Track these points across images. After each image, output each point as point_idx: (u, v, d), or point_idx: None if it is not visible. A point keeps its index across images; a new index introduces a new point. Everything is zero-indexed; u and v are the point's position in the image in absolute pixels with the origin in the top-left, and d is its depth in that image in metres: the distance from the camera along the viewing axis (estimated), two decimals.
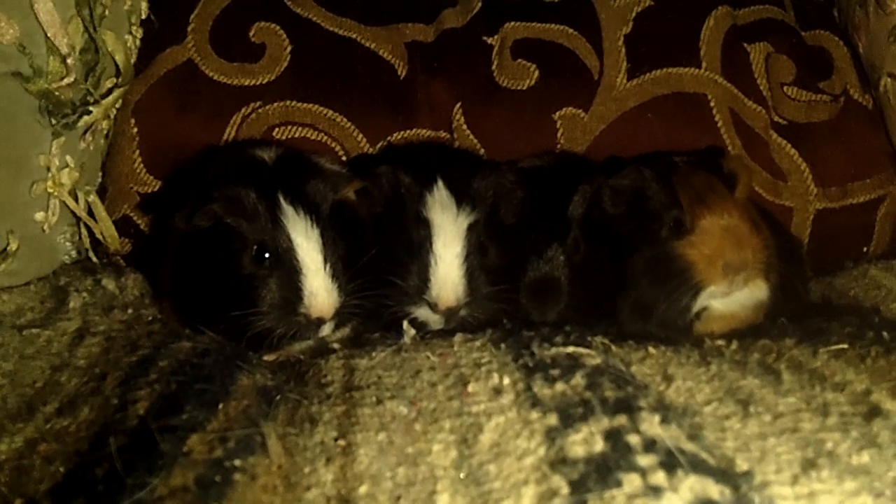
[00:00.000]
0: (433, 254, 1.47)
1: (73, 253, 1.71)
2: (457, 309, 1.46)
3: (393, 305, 1.48)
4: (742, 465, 0.88)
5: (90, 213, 1.72)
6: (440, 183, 1.51)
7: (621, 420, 0.93)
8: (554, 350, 1.18)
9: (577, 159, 1.85)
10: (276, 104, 1.85)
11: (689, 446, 0.88)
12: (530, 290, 1.55)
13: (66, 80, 1.55)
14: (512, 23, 1.97)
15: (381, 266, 1.48)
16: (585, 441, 0.90)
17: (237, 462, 0.91)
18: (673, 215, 1.46)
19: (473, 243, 1.49)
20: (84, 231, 1.73)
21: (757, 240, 1.44)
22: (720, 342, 1.37)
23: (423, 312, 1.48)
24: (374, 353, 1.28)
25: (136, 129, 1.81)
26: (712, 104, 1.92)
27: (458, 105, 1.90)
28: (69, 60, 1.54)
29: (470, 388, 1.10)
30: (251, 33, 1.89)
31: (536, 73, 1.91)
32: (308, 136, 1.85)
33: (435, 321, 1.48)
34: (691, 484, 0.80)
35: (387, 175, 1.55)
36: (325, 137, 1.86)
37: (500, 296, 1.50)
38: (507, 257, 1.55)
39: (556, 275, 1.56)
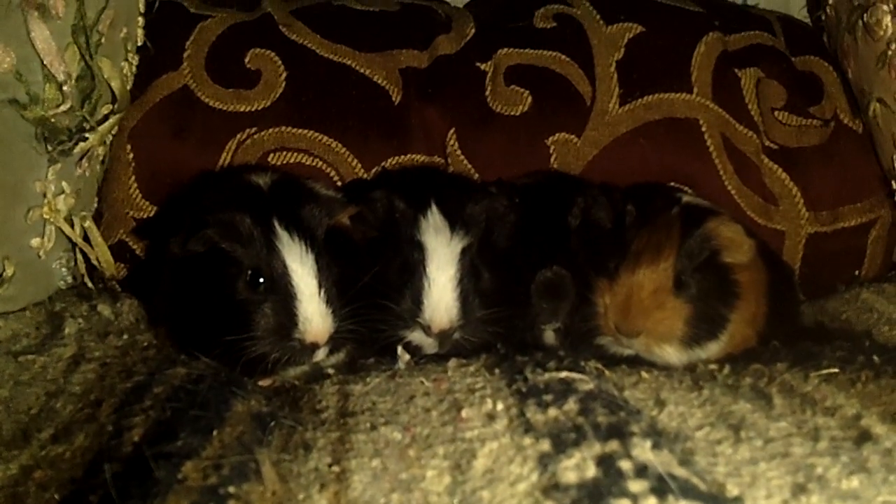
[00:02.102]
0: (426, 277, 1.47)
1: (69, 278, 1.71)
2: (450, 332, 1.47)
3: (387, 329, 1.49)
4: (733, 490, 0.89)
5: (86, 238, 1.72)
6: (434, 207, 1.52)
7: (613, 446, 0.93)
8: (547, 375, 1.18)
9: (567, 177, 1.87)
10: (271, 130, 1.86)
11: (681, 472, 0.89)
12: (541, 289, 1.56)
13: (62, 108, 1.56)
14: (505, 49, 1.99)
15: (375, 290, 1.48)
16: (578, 467, 0.90)
17: (231, 489, 0.91)
18: (614, 261, 1.51)
19: (467, 267, 1.50)
20: (80, 257, 1.73)
21: (672, 314, 1.48)
22: (713, 366, 1.38)
23: (416, 336, 1.48)
24: (368, 379, 1.29)
25: (131, 155, 1.82)
26: (704, 129, 1.93)
27: (452, 131, 1.92)
28: (65, 88, 1.55)
29: (464, 414, 1.10)
30: (247, 60, 1.90)
31: (529, 98, 1.93)
32: (303, 161, 1.86)
33: (429, 344, 1.49)
34: None
35: (381, 200, 1.55)
36: (320, 163, 1.86)
37: (493, 319, 1.51)
38: (501, 281, 1.56)
39: (564, 274, 1.56)
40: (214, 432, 1.07)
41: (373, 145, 1.90)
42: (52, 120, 1.56)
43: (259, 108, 1.87)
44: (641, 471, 0.88)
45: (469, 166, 1.91)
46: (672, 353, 1.49)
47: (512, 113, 1.93)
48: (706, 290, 1.49)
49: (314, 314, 1.39)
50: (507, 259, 1.60)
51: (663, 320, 1.47)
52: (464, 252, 1.50)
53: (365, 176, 1.89)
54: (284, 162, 1.85)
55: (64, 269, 1.70)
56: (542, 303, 1.56)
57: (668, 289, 1.46)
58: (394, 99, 1.93)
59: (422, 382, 1.24)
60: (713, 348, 1.52)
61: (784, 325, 1.65)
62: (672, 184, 1.90)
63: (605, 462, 0.90)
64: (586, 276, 1.55)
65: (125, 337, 1.51)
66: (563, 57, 1.97)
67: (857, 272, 2.02)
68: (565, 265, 1.57)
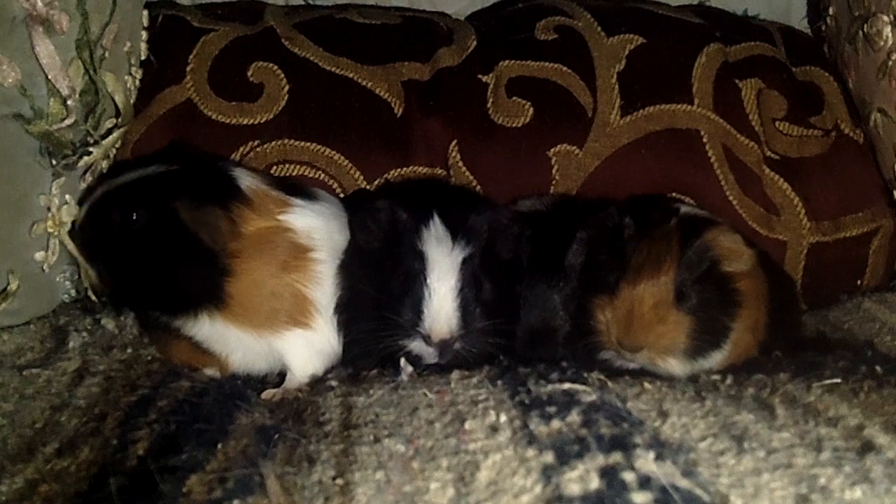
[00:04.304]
0: (427, 287, 1.47)
1: (73, 292, 1.72)
2: (451, 341, 1.47)
3: (388, 339, 1.49)
4: (736, 501, 0.89)
5: None
6: (436, 218, 1.52)
7: (616, 457, 0.94)
8: (550, 387, 1.19)
9: (575, 202, 1.86)
10: (274, 143, 1.87)
11: (684, 483, 0.89)
12: (526, 339, 1.57)
13: (66, 122, 1.56)
14: (506, 61, 1.99)
15: (377, 300, 1.49)
16: (581, 479, 0.91)
17: (236, 502, 0.92)
18: (613, 275, 1.51)
19: (468, 277, 1.50)
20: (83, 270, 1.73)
21: (674, 327, 1.47)
22: (715, 377, 1.38)
23: (417, 345, 1.48)
24: (371, 391, 1.29)
25: None
26: (705, 140, 1.93)
27: (453, 142, 1.92)
28: (70, 102, 1.56)
29: (467, 426, 1.11)
30: (249, 73, 1.91)
31: (531, 110, 1.93)
32: (306, 174, 1.87)
33: (429, 354, 1.48)
34: None
35: (384, 210, 1.56)
36: (323, 175, 1.87)
37: (494, 329, 1.51)
38: (502, 292, 1.56)
39: (553, 325, 1.58)
40: (219, 445, 1.07)
41: (375, 157, 1.90)
42: (57, 134, 1.56)
43: (262, 121, 1.88)
44: (645, 482, 0.88)
45: (471, 178, 1.92)
46: (676, 366, 1.49)
47: (514, 125, 1.93)
48: (707, 300, 1.49)
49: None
50: (510, 271, 1.60)
51: (666, 334, 1.46)
52: (465, 262, 1.50)
53: (368, 188, 1.90)
54: (287, 174, 1.86)
55: (67, 283, 1.71)
56: (525, 353, 1.56)
57: (670, 302, 1.46)
58: (396, 111, 1.94)
59: (425, 394, 1.25)
60: (717, 358, 1.52)
61: (786, 334, 1.65)
62: (673, 194, 1.90)
63: (608, 474, 0.90)
64: (585, 293, 1.55)
65: (129, 351, 1.51)
66: (565, 69, 1.98)
67: (858, 282, 2.02)
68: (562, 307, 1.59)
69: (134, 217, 1.48)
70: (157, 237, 1.48)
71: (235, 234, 1.48)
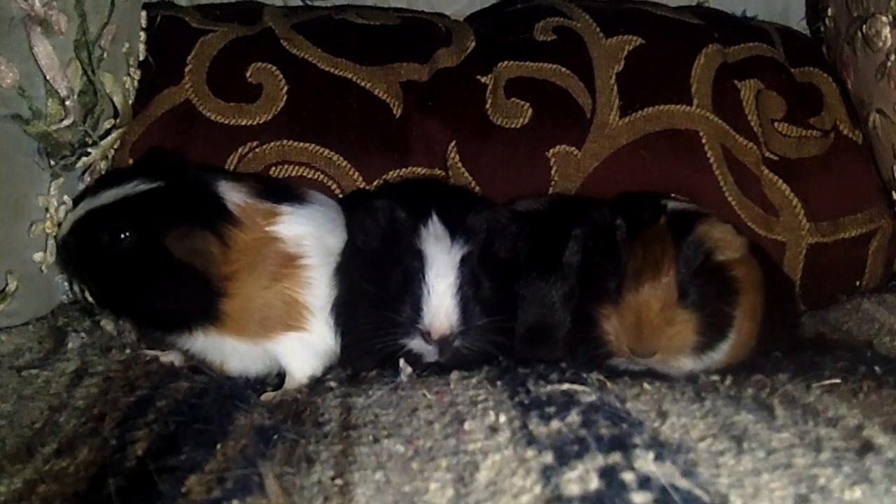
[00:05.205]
0: (426, 284, 1.47)
1: (71, 293, 1.72)
2: (450, 338, 1.46)
3: (387, 337, 1.48)
4: (736, 501, 0.89)
5: None
6: (434, 217, 1.52)
7: (616, 457, 0.94)
8: (549, 387, 1.19)
9: (572, 201, 1.86)
10: (272, 143, 1.86)
11: (684, 483, 0.89)
12: (525, 337, 1.56)
13: (64, 123, 1.56)
14: (505, 62, 1.99)
15: (376, 299, 1.49)
16: (581, 479, 0.91)
17: (235, 502, 0.91)
18: (612, 281, 1.51)
19: (467, 275, 1.50)
20: None
21: (683, 326, 1.47)
22: (715, 377, 1.38)
23: (417, 343, 1.47)
24: (370, 392, 1.29)
25: None
26: (704, 140, 1.93)
27: (452, 143, 1.92)
28: (68, 103, 1.55)
29: (466, 426, 1.11)
30: (248, 74, 1.91)
31: (530, 111, 1.93)
32: (304, 174, 1.86)
33: (429, 352, 1.48)
34: None
35: (383, 209, 1.56)
36: (322, 176, 1.87)
37: (493, 327, 1.50)
38: (501, 290, 1.56)
39: (552, 322, 1.58)
40: (218, 446, 1.07)
41: (374, 158, 1.90)
42: (55, 135, 1.56)
43: (260, 122, 1.87)
44: (644, 483, 0.88)
45: (469, 179, 1.91)
46: (687, 363, 1.49)
47: (512, 125, 1.93)
48: (708, 293, 1.49)
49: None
50: (509, 269, 1.60)
51: (676, 335, 1.46)
52: (464, 260, 1.50)
53: (366, 188, 1.90)
54: (286, 175, 1.85)
55: (66, 284, 1.70)
56: (525, 352, 1.56)
57: (674, 302, 1.46)
58: (394, 112, 1.94)
59: (424, 395, 1.25)
60: (724, 348, 1.52)
61: (784, 333, 1.65)
62: (672, 195, 1.90)
63: (607, 474, 0.90)
64: (586, 301, 1.55)
65: (128, 352, 1.52)
66: (564, 69, 1.98)
67: (857, 283, 2.02)
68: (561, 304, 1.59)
69: (122, 237, 1.45)
70: (147, 261, 1.46)
71: (227, 257, 1.47)
